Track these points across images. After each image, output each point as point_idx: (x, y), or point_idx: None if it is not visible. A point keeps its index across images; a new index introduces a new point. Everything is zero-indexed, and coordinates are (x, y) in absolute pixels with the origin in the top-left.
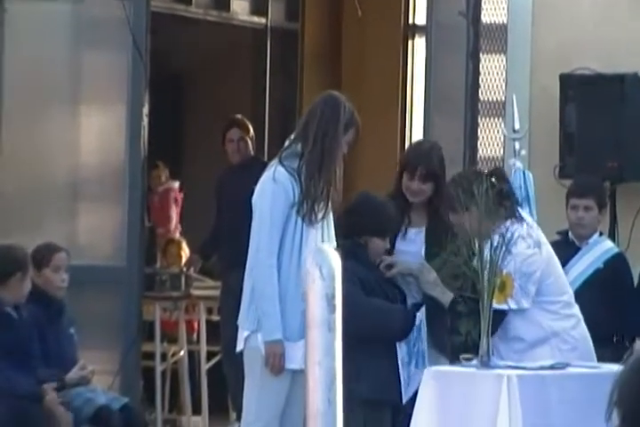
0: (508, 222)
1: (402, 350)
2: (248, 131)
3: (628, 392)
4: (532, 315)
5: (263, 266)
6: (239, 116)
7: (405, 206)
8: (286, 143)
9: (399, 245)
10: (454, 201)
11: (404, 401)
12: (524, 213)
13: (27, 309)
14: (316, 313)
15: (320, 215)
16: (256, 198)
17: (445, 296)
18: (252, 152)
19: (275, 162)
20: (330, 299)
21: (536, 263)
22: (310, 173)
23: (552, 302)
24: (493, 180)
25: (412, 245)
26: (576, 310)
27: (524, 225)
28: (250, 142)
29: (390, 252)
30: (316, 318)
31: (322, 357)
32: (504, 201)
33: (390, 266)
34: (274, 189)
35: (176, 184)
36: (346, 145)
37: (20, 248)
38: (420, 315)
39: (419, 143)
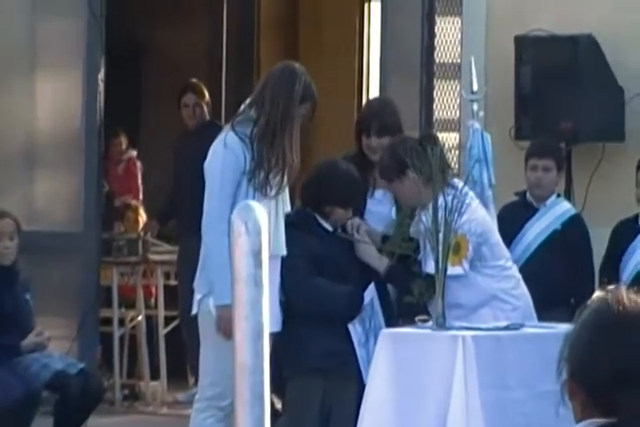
0: (446, 188)
1: (357, 330)
2: (203, 96)
3: (577, 347)
4: (470, 280)
5: (213, 231)
6: (194, 80)
7: (368, 166)
8: (241, 108)
9: (368, 205)
10: (389, 171)
11: (364, 380)
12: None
13: None
14: (241, 268)
15: (275, 190)
16: (207, 164)
17: (382, 263)
18: (208, 117)
19: (227, 127)
20: (256, 254)
21: (484, 225)
22: (262, 142)
23: (491, 266)
24: (428, 147)
25: (380, 207)
26: (514, 270)
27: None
28: (205, 107)
29: (361, 216)
30: (242, 273)
31: (248, 311)
32: (444, 167)
33: (358, 228)
34: (224, 154)
35: (134, 153)
36: (301, 118)
37: None
38: (370, 292)
39: (371, 101)
